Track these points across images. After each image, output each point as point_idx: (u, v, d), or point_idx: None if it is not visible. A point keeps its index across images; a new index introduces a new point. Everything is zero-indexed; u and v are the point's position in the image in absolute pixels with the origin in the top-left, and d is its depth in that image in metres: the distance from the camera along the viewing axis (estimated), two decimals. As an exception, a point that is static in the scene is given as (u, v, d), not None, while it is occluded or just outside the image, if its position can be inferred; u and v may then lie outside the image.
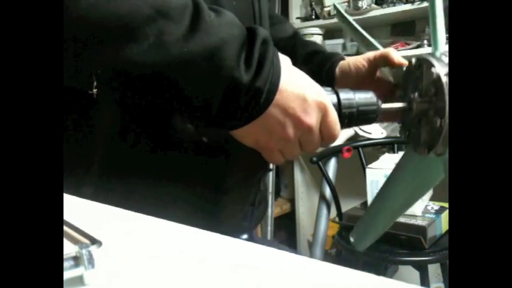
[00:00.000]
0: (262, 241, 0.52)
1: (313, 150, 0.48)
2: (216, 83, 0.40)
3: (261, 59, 0.42)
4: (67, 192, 0.44)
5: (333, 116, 0.47)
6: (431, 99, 0.49)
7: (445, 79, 0.46)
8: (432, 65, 0.47)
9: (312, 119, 0.45)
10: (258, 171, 0.64)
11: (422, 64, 0.50)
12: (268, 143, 0.45)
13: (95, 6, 0.36)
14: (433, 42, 0.53)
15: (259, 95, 0.42)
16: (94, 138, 0.48)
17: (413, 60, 0.52)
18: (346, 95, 0.49)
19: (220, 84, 0.40)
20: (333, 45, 2.12)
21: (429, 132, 0.50)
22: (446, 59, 0.48)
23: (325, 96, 0.47)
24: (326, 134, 0.47)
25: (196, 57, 0.39)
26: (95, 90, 0.40)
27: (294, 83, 0.45)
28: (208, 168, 0.54)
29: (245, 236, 0.53)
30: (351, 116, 0.49)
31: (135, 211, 0.35)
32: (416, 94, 0.51)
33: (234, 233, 0.52)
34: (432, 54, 0.51)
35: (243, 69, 0.41)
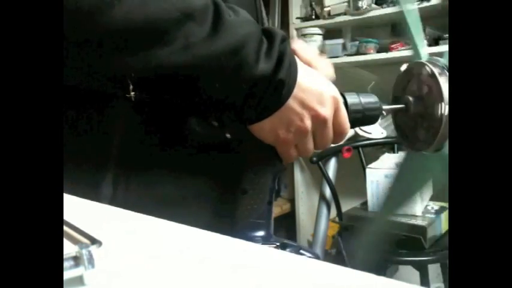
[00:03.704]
0: (277, 239, 0.53)
1: (325, 146, 0.50)
2: (241, 78, 0.42)
3: (280, 54, 0.44)
4: (87, 186, 0.44)
5: (344, 112, 0.49)
6: (429, 106, 0.49)
7: (446, 111, 0.47)
8: (441, 100, 0.47)
9: (327, 111, 0.47)
10: (273, 169, 0.64)
11: (430, 86, 0.50)
12: (286, 137, 0.47)
13: (129, 13, 0.37)
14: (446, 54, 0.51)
15: (281, 86, 0.44)
16: (112, 132, 0.48)
17: (427, 69, 0.51)
18: (352, 97, 0.51)
19: (245, 79, 0.42)
20: (333, 45, 2.12)
21: (424, 132, 0.51)
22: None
23: (338, 92, 0.49)
24: (337, 129, 0.49)
25: (222, 56, 0.41)
26: (132, 93, 0.40)
27: (310, 78, 0.47)
28: (226, 165, 0.54)
29: (262, 233, 0.53)
30: (357, 117, 0.51)
31: (156, 206, 0.36)
32: (414, 96, 0.52)
33: (251, 230, 0.54)
34: (440, 67, 0.50)
35: (265, 62, 0.43)
